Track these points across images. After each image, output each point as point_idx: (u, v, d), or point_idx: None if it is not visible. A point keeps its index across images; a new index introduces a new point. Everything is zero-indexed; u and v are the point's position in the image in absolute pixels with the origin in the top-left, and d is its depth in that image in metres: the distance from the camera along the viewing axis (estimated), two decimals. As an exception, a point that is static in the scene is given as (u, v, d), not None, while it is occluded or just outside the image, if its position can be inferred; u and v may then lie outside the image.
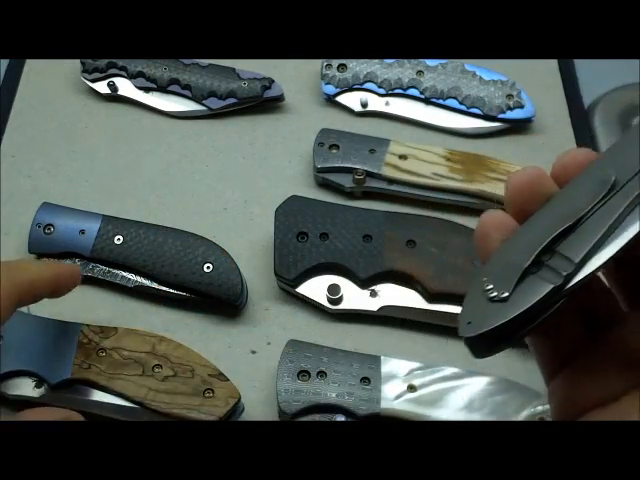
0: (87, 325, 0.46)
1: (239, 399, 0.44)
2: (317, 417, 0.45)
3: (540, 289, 0.23)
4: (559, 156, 0.27)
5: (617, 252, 0.23)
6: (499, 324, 0.23)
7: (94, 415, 0.44)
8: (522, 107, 0.59)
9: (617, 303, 0.27)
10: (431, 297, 0.49)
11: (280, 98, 0.61)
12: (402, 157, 0.56)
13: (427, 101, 0.60)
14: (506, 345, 0.24)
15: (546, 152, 0.60)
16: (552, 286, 0.23)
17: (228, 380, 0.44)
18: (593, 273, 0.23)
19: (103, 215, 0.52)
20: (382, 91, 0.60)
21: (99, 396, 0.44)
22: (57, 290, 0.42)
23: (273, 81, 0.60)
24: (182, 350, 0.45)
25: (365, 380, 0.45)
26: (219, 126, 0.61)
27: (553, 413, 0.28)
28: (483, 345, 0.24)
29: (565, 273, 0.23)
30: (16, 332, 0.44)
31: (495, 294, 0.23)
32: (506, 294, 0.23)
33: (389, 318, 0.51)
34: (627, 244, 0.23)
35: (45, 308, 0.45)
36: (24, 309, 0.50)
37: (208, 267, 0.49)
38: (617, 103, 0.65)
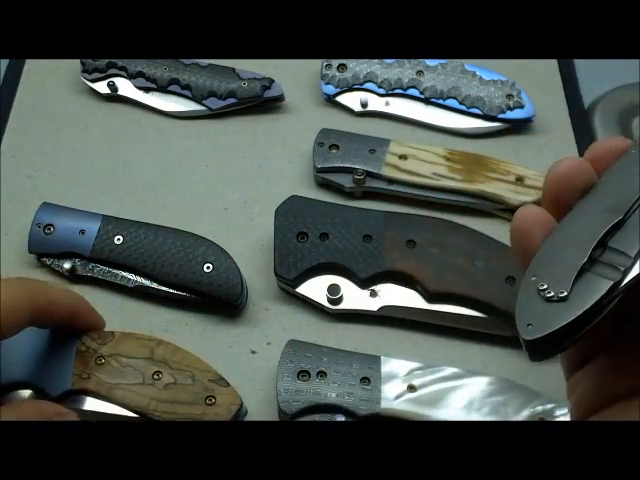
0: (84, 332, 0.45)
1: (241, 405, 0.44)
2: (317, 417, 0.45)
3: (599, 286, 0.22)
4: (593, 145, 0.26)
5: None
6: (563, 324, 0.22)
7: None
8: (522, 107, 0.59)
9: None
10: (431, 297, 0.49)
11: (280, 98, 0.61)
12: (402, 157, 0.56)
13: (427, 101, 0.60)
14: (567, 346, 0.23)
15: (546, 152, 0.60)
16: (612, 282, 0.22)
17: (229, 385, 0.44)
18: None
19: (103, 215, 0.52)
20: (382, 91, 0.60)
21: (100, 406, 0.43)
22: (73, 319, 0.42)
23: (273, 81, 0.60)
24: (181, 354, 0.44)
25: (365, 380, 0.45)
26: (219, 126, 0.61)
27: (573, 408, 0.27)
28: (544, 347, 0.23)
29: (623, 268, 0.22)
30: (14, 342, 0.42)
31: (552, 294, 0.23)
32: (565, 293, 0.23)
33: (389, 318, 0.51)
34: None
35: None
36: None
37: (208, 267, 0.49)
38: (617, 103, 0.65)
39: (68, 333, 0.44)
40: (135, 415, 0.43)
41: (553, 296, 0.23)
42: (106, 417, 0.43)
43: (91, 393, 0.43)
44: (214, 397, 0.43)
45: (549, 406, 0.44)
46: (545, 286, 0.23)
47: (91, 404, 0.43)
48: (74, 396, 0.43)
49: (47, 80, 0.63)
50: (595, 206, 0.24)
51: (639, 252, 0.22)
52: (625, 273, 0.22)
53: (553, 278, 0.23)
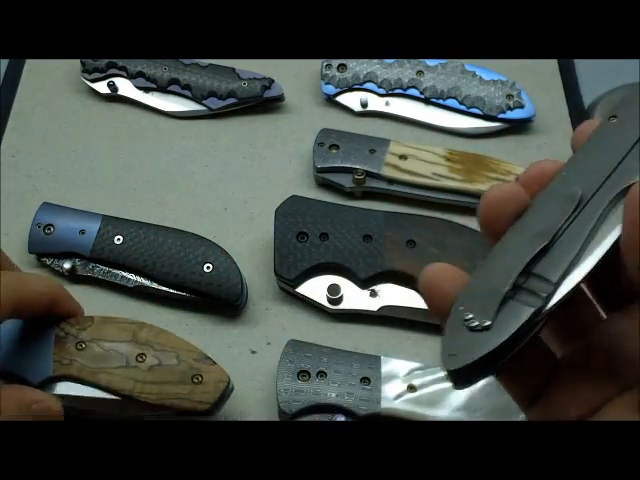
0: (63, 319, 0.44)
1: (228, 382, 0.43)
2: (317, 417, 0.45)
3: (521, 314, 0.22)
4: (528, 167, 0.26)
5: (594, 267, 0.23)
6: (484, 354, 0.22)
7: (85, 411, 0.43)
8: (522, 107, 0.59)
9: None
10: (431, 297, 0.49)
11: (280, 98, 0.61)
12: (402, 157, 0.56)
13: (427, 101, 0.60)
14: (489, 373, 0.23)
15: (546, 152, 0.60)
16: (533, 309, 0.22)
17: (215, 364, 0.43)
18: (572, 291, 0.23)
19: (103, 215, 0.52)
20: (382, 91, 0.60)
21: (85, 391, 0.42)
22: (53, 308, 0.41)
23: (273, 81, 0.60)
24: (164, 336, 0.44)
25: (365, 380, 0.45)
26: (219, 126, 0.61)
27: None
28: (467, 376, 0.23)
29: (544, 295, 0.22)
30: None
31: (477, 323, 0.23)
32: (488, 322, 0.23)
33: (389, 318, 0.51)
34: (602, 257, 0.23)
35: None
36: None
37: (208, 267, 0.49)
38: (617, 103, 0.65)
39: (46, 320, 0.43)
40: (119, 398, 0.42)
41: (477, 326, 0.23)
42: (91, 402, 0.42)
43: (74, 379, 0.42)
44: (201, 375, 0.42)
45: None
46: (470, 316, 0.23)
47: (75, 389, 0.42)
48: (57, 382, 0.42)
49: (47, 80, 0.63)
50: (524, 231, 0.24)
51: (561, 277, 0.23)
52: (547, 299, 0.22)
53: (478, 307, 0.23)
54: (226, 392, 0.43)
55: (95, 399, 0.42)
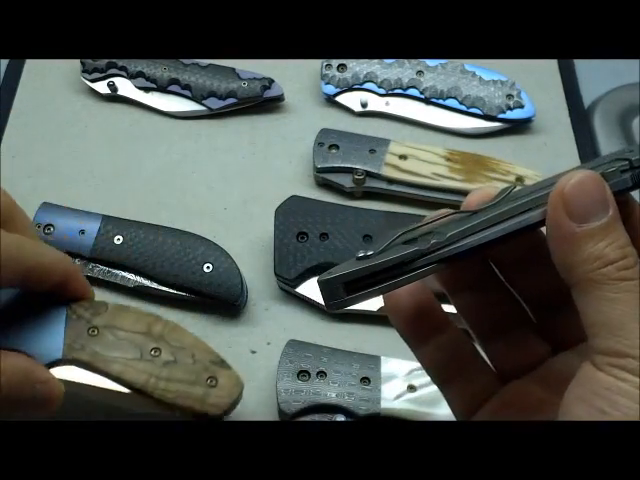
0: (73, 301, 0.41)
1: (242, 388, 0.42)
2: (317, 417, 0.45)
3: (402, 251, 0.24)
4: (470, 195, 0.29)
5: (496, 239, 0.24)
6: (348, 272, 0.24)
7: (86, 403, 0.42)
8: (522, 107, 0.59)
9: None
10: (431, 297, 0.49)
11: (280, 98, 0.61)
12: (402, 157, 0.56)
13: (427, 101, 0.60)
14: (363, 295, 0.25)
15: (546, 152, 0.60)
16: (415, 249, 0.24)
17: (231, 368, 0.42)
18: (463, 251, 0.24)
19: (103, 215, 0.52)
20: (382, 91, 0.60)
21: (94, 380, 0.40)
22: (65, 286, 0.39)
23: (273, 81, 0.60)
24: (179, 332, 0.42)
25: (365, 380, 0.45)
26: (219, 126, 0.61)
27: None
28: (335, 293, 0.24)
29: (433, 241, 0.24)
30: (2, 306, 0.39)
31: (363, 254, 0.25)
32: (370, 252, 0.25)
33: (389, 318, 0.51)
34: (510, 234, 0.25)
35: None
36: None
37: (208, 267, 0.49)
38: (617, 103, 0.65)
39: (56, 298, 0.40)
40: (128, 391, 0.40)
41: (363, 255, 0.25)
42: (97, 391, 0.41)
43: (84, 365, 0.40)
44: (216, 378, 0.41)
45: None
46: (362, 252, 0.25)
47: (84, 376, 0.40)
48: (65, 366, 0.40)
49: (47, 80, 0.63)
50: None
51: (456, 235, 0.24)
52: (435, 246, 0.24)
53: (376, 245, 0.25)
54: (238, 398, 0.42)
55: (103, 389, 0.41)
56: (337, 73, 0.61)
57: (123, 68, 0.60)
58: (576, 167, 0.27)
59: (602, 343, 0.23)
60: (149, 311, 0.43)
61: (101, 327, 0.40)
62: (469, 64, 0.61)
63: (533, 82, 0.62)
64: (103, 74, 0.60)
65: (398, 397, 0.45)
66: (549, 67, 0.65)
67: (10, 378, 0.33)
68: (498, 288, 0.30)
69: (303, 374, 0.45)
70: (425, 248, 0.24)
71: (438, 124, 0.61)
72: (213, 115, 0.61)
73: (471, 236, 0.25)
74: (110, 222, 0.51)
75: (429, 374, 0.31)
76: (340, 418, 0.44)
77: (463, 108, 0.60)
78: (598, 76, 0.66)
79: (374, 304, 0.50)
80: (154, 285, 0.50)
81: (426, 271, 0.25)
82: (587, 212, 0.23)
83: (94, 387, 0.41)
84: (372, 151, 0.56)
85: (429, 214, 0.28)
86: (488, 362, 0.30)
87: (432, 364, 0.30)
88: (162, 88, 0.60)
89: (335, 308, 0.25)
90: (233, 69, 0.60)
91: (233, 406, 0.42)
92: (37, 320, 0.40)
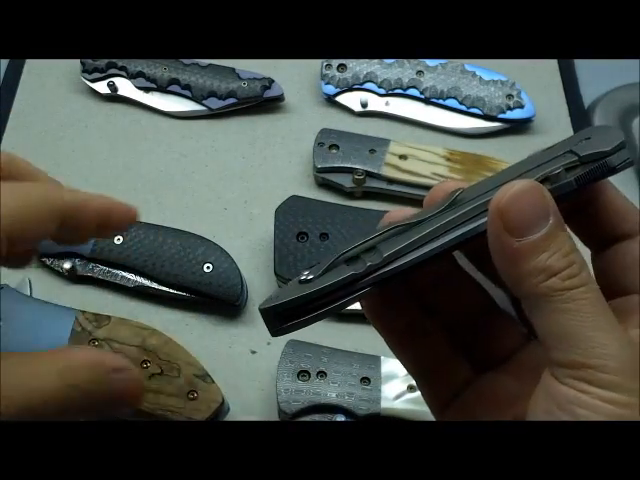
0: (82, 312, 0.45)
1: (222, 403, 0.44)
2: (317, 417, 0.45)
3: (340, 274, 0.24)
4: (431, 191, 0.28)
5: (435, 255, 0.24)
6: (291, 299, 0.24)
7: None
8: (522, 107, 0.59)
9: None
10: (431, 297, 0.49)
11: (280, 98, 0.61)
12: (402, 157, 0.56)
13: (427, 101, 0.60)
14: (301, 323, 0.24)
15: (546, 152, 0.60)
16: (352, 272, 0.24)
17: (213, 383, 0.44)
18: (400, 271, 0.24)
19: (103, 215, 0.52)
20: (382, 91, 0.60)
21: None
22: (106, 222, 0.34)
23: (273, 81, 0.60)
24: (171, 346, 0.45)
25: (365, 380, 0.45)
26: (219, 126, 0.61)
27: None
28: (276, 319, 0.24)
29: (369, 263, 0.24)
30: (13, 314, 0.42)
31: (303, 277, 0.25)
32: (311, 276, 0.24)
33: (389, 318, 0.51)
34: (450, 249, 0.24)
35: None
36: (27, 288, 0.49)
37: (208, 267, 0.49)
38: (617, 103, 0.65)
39: (65, 311, 0.42)
40: None
41: (304, 279, 0.24)
42: None
43: None
44: (196, 392, 0.43)
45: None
46: (306, 273, 0.25)
47: None
48: None
49: (47, 80, 0.63)
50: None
51: (393, 254, 0.24)
52: (371, 268, 0.24)
53: (316, 268, 0.25)
54: (219, 412, 0.44)
55: None
56: (337, 73, 0.61)
57: (123, 68, 0.60)
58: (527, 158, 0.26)
59: (559, 356, 0.23)
60: (150, 322, 0.46)
61: (101, 339, 0.44)
62: (469, 64, 0.61)
63: (533, 82, 0.62)
64: (103, 74, 0.60)
65: (398, 397, 0.45)
66: (549, 67, 0.65)
67: (77, 371, 0.28)
68: (468, 278, 0.29)
69: (303, 374, 0.45)
70: (359, 272, 0.24)
71: (438, 124, 0.61)
72: (213, 115, 0.61)
73: (408, 254, 0.24)
74: (110, 222, 0.51)
75: (404, 367, 0.30)
76: (340, 418, 0.44)
77: (463, 108, 0.60)
78: (598, 76, 0.66)
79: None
80: (154, 285, 0.50)
81: (362, 294, 0.24)
82: (525, 225, 0.23)
83: None
84: (372, 151, 0.56)
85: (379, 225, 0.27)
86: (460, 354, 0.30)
87: (406, 358, 0.30)
88: (162, 88, 0.60)
89: (277, 335, 0.24)
90: (233, 69, 0.60)
91: (213, 417, 0.44)
92: (46, 329, 0.43)
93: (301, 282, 0.25)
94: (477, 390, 0.29)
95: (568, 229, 0.24)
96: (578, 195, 0.25)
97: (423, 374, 0.30)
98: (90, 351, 0.31)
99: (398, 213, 0.27)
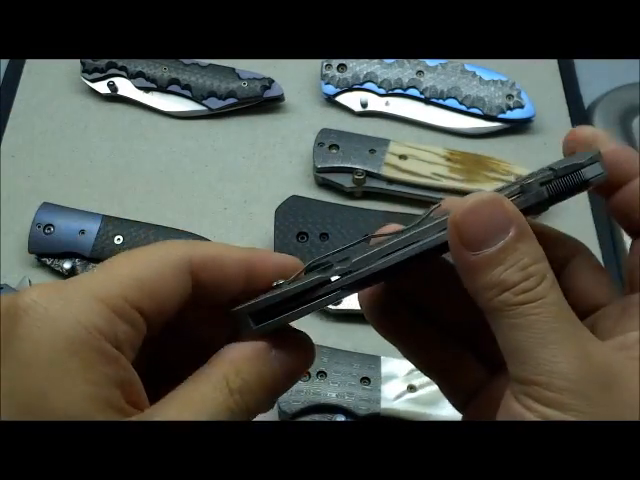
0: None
1: None
2: (317, 417, 0.45)
3: (309, 279, 0.24)
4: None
5: (391, 267, 0.24)
6: (259, 300, 0.24)
7: None
8: (522, 107, 0.59)
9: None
10: (431, 297, 0.49)
11: (280, 98, 0.61)
12: (402, 157, 0.56)
13: (427, 101, 0.60)
14: (272, 323, 0.25)
15: (546, 152, 0.60)
16: (318, 276, 0.24)
17: None
18: (367, 277, 0.24)
19: (103, 215, 0.52)
20: (382, 91, 0.60)
21: None
22: (252, 276, 0.27)
23: (273, 81, 0.60)
24: None
25: (365, 380, 0.45)
26: (219, 126, 0.61)
27: None
28: (251, 321, 0.25)
29: (337, 268, 0.24)
30: None
31: (276, 284, 0.26)
32: (281, 282, 0.25)
33: (389, 318, 0.51)
34: (403, 261, 0.24)
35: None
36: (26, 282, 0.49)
37: (208, 267, 0.49)
38: (617, 103, 0.65)
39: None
40: None
41: (276, 285, 0.26)
42: None
43: None
44: None
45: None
46: (282, 281, 0.26)
47: None
48: None
49: (47, 80, 0.63)
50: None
51: (362, 260, 0.24)
52: (338, 273, 0.24)
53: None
54: None
55: None
56: (337, 73, 0.61)
57: (123, 68, 0.60)
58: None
59: (513, 371, 0.22)
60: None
61: None
62: (469, 64, 0.61)
63: (533, 82, 0.62)
64: (103, 74, 0.60)
65: (398, 397, 0.45)
66: (549, 67, 0.65)
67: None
68: None
69: (303, 374, 0.45)
70: (326, 276, 0.24)
71: (438, 124, 0.61)
72: (213, 115, 0.61)
73: (377, 261, 0.24)
74: (110, 222, 0.51)
75: (417, 368, 0.30)
76: (340, 418, 0.44)
77: (463, 108, 0.60)
78: (598, 76, 0.66)
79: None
80: (154, 285, 0.50)
81: (330, 298, 0.24)
82: (481, 239, 0.22)
83: None
84: (372, 151, 0.56)
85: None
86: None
87: (412, 358, 0.30)
88: (162, 88, 0.60)
89: (250, 335, 0.25)
90: (233, 69, 0.60)
91: None
92: None
93: (272, 288, 0.26)
94: (490, 391, 0.29)
95: None
96: (552, 205, 0.25)
97: (434, 375, 0.30)
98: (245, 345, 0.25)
99: (388, 228, 0.28)
